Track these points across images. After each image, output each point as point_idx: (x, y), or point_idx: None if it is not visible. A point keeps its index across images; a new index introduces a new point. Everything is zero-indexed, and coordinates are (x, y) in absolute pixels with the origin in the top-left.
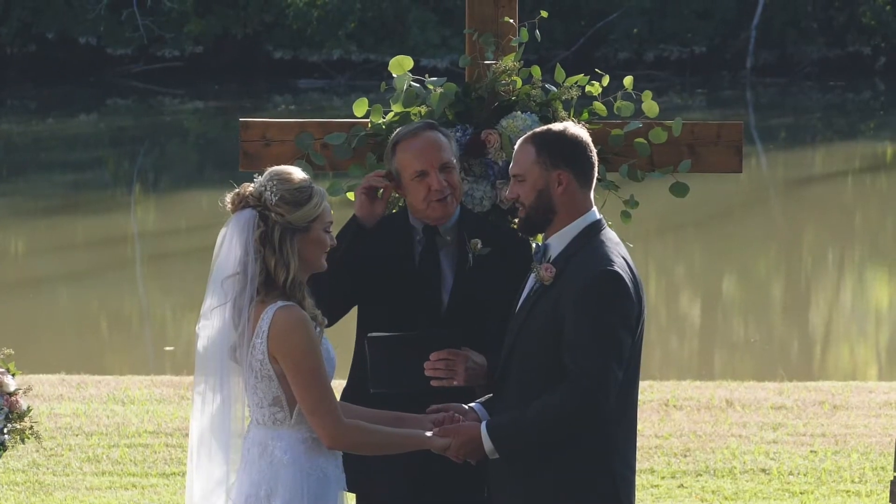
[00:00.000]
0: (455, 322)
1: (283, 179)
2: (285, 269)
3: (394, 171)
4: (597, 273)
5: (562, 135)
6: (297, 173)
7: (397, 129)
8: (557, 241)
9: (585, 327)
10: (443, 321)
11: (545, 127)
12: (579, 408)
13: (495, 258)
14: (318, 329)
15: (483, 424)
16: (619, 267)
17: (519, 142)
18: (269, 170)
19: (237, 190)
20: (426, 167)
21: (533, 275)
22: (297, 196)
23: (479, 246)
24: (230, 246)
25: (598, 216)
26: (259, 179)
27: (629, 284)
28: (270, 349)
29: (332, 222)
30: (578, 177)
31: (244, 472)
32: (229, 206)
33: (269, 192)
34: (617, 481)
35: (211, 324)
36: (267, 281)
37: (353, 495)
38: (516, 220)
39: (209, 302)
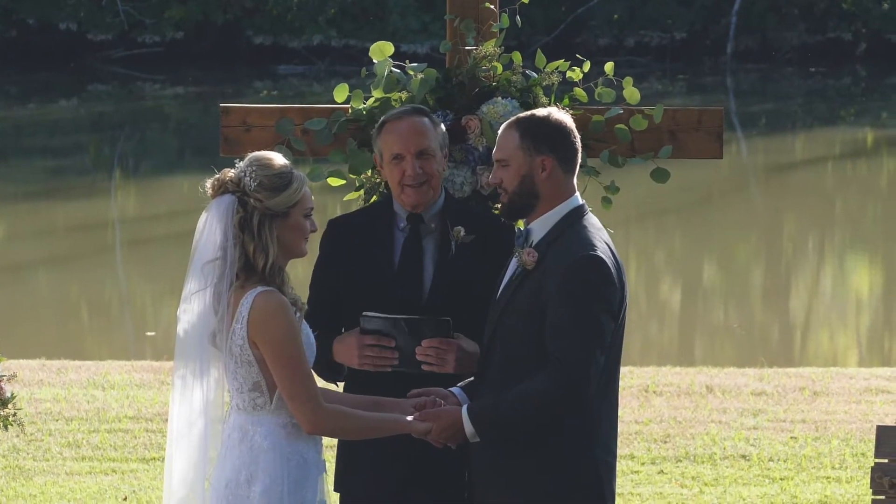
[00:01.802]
0: (437, 310)
1: (263, 165)
2: (264, 255)
3: (378, 150)
4: (579, 258)
5: (546, 120)
6: (278, 159)
7: (390, 111)
8: (540, 226)
9: (568, 313)
10: (424, 309)
11: (529, 112)
12: (561, 393)
13: (479, 246)
14: (298, 314)
15: (464, 408)
16: (602, 252)
17: (502, 127)
18: (250, 155)
19: (217, 175)
20: (403, 151)
21: (514, 259)
22: (277, 182)
23: (462, 234)
24: (210, 231)
25: (581, 201)
26: (239, 165)
27: (612, 269)
28: (250, 334)
29: (312, 208)
30: (562, 162)
31: (225, 457)
32: (210, 191)
33: (248, 178)
34: (599, 467)
35: (191, 308)
36: (246, 266)
37: (338, 494)
38: (498, 206)
39: (189, 287)
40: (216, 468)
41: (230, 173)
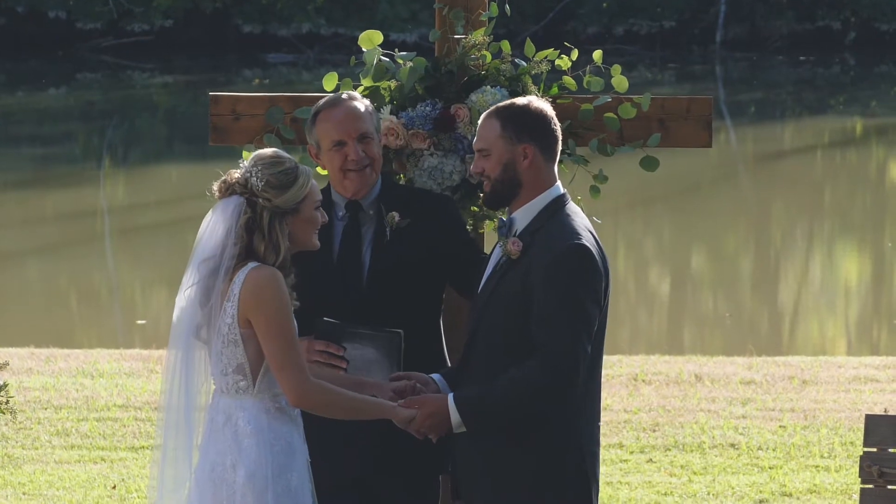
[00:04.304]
0: (375, 295)
1: (268, 164)
2: (275, 253)
3: (313, 142)
4: (565, 247)
5: (526, 108)
6: (282, 155)
7: (318, 101)
8: (523, 215)
9: (554, 302)
10: (362, 296)
11: (509, 101)
12: (550, 382)
13: (416, 227)
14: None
15: (450, 397)
16: (587, 240)
17: (483, 116)
18: (254, 154)
19: (224, 177)
20: (344, 137)
21: (498, 248)
22: (283, 179)
23: (397, 219)
24: (213, 230)
25: (563, 190)
26: (244, 165)
27: (596, 258)
28: (241, 310)
29: (321, 200)
30: (544, 150)
31: (209, 441)
32: (216, 193)
33: (254, 178)
34: (584, 456)
35: (185, 298)
36: (244, 257)
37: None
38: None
39: (186, 280)
40: (201, 451)
41: (236, 174)
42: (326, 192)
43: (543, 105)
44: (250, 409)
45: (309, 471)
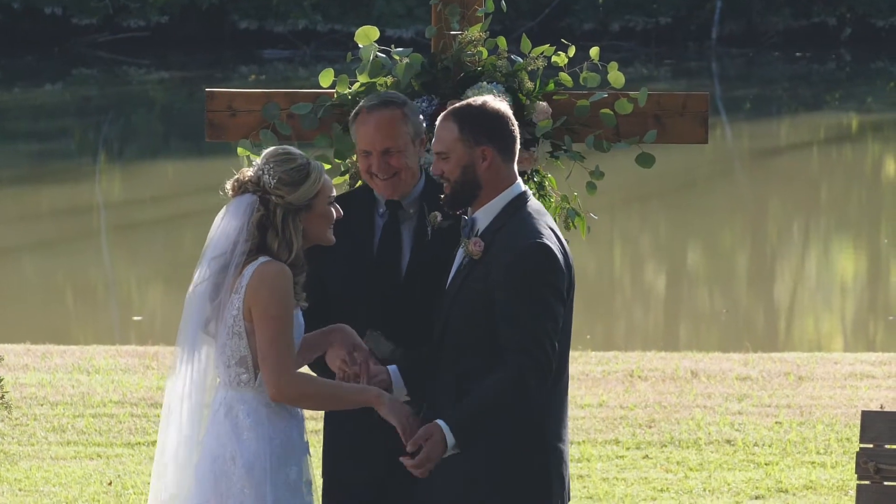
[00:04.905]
0: (410, 293)
1: (280, 160)
2: (288, 250)
3: (353, 138)
4: (526, 246)
5: (483, 109)
6: (293, 152)
7: (366, 97)
8: (484, 215)
9: (518, 301)
10: (397, 294)
11: (465, 102)
12: (528, 381)
13: (457, 230)
14: (296, 306)
15: (441, 423)
16: (548, 238)
17: (440, 118)
18: (265, 152)
19: (236, 176)
20: (369, 147)
21: (461, 249)
22: (296, 176)
23: (439, 219)
24: (225, 228)
25: (523, 188)
26: (256, 163)
27: (558, 255)
28: (246, 301)
29: (334, 195)
30: (502, 151)
31: (211, 433)
32: (230, 192)
33: (267, 176)
34: (550, 454)
35: (192, 297)
36: (255, 253)
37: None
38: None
39: (196, 276)
40: (205, 441)
41: (248, 172)
42: (368, 189)
43: (500, 105)
44: (251, 401)
45: (309, 465)
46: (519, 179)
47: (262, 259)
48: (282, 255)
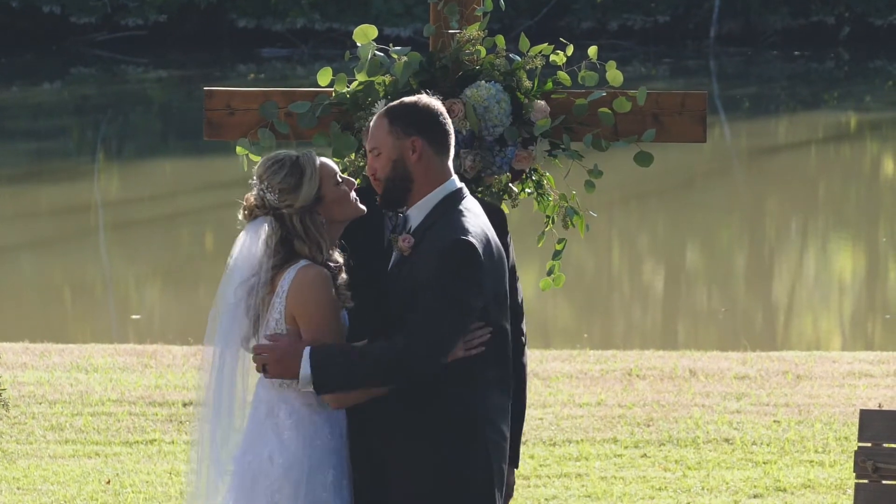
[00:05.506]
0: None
1: (272, 173)
2: (318, 249)
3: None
4: (450, 242)
5: (414, 105)
6: (280, 156)
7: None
8: (417, 212)
9: (430, 291)
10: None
11: (398, 100)
12: (403, 360)
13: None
14: (342, 306)
15: (306, 351)
16: (475, 236)
17: (374, 117)
18: (256, 170)
19: (243, 203)
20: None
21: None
22: (292, 180)
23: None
24: (248, 252)
25: (459, 185)
26: (252, 183)
27: (480, 253)
28: (288, 306)
29: (337, 172)
30: (433, 143)
31: (251, 430)
32: (244, 220)
33: (268, 193)
34: (489, 448)
35: (221, 319)
36: (286, 259)
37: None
38: (481, 189)
39: (223, 296)
40: (244, 437)
41: (251, 198)
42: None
43: (433, 101)
44: (292, 402)
45: (348, 469)
46: (455, 176)
47: (301, 263)
48: (316, 257)
